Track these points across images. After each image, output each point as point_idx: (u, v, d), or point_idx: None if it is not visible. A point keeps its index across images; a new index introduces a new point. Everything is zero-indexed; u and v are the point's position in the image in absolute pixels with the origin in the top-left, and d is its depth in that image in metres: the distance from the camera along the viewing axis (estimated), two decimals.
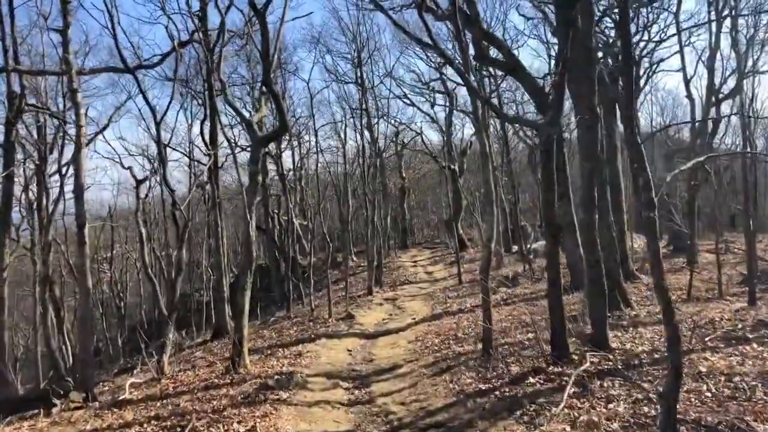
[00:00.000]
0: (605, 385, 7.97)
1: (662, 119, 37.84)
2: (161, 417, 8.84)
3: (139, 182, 25.77)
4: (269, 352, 14.70)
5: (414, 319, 17.58)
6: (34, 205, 24.46)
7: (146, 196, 32.77)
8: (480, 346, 11.89)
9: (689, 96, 21.18)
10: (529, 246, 29.61)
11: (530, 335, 12.52)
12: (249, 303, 12.69)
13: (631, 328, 11.46)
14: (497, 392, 8.50)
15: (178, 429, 8.05)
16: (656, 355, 9.09)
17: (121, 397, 10.78)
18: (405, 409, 8.82)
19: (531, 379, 8.72)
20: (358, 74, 28.71)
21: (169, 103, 15.05)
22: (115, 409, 10.11)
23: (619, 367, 8.66)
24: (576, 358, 9.16)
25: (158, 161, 13.86)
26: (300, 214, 35.91)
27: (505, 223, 30.16)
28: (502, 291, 19.37)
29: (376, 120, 28.92)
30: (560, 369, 8.84)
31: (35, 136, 23.13)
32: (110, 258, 36.51)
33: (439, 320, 16.43)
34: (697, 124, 22.84)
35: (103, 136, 24.34)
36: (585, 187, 9.40)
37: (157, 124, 13.89)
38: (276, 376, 11.00)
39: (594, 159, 9.50)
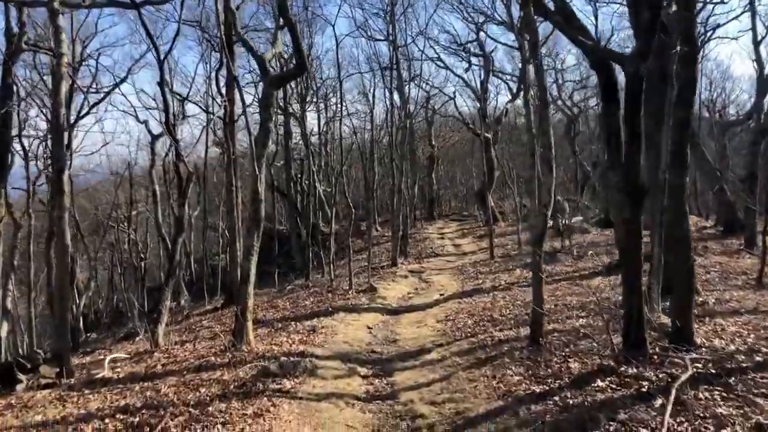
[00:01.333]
0: (704, 397, 5.96)
1: (710, 93, 34.98)
2: (131, 409, 7.02)
3: (154, 137, 24.10)
4: (280, 325, 12.88)
5: (442, 294, 15.64)
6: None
7: (166, 154, 31.28)
8: (525, 332, 9.90)
9: (758, 59, 18.60)
10: (565, 222, 27.46)
11: (582, 321, 10.54)
12: (257, 269, 10.91)
13: (707, 319, 9.38)
14: (557, 398, 6.51)
15: (146, 429, 6.21)
16: (758, 358, 7.03)
17: (98, 375, 9.03)
18: (436, 411, 6.89)
19: (599, 382, 6.72)
20: (390, 30, 26.38)
21: (175, 37, 13.01)
22: (86, 391, 8.35)
23: (714, 371, 6.62)
24: (655, 356, 7.12)
25: (162, 104, 12.02)
26: (324, 180, 34.04)
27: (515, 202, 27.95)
28: None
29: (407, 81, 26.61)
30: (636, 370, 6.82)
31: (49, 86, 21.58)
32: (128, 217, 35.04)
33: (471, 298, 14.46)
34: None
35: (120, 90, 22.23)
36: (675, 141, 7.25)
37: (160, 62, 11.94)
38: (282, 358, 9.17)
39: (689, 106, 7.34)
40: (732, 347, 7.51)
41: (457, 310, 13.26)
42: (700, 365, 6.89)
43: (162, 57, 12.34)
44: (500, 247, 23.25)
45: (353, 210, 17.95)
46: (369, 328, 12.42)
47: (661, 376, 6.60)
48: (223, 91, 18.34)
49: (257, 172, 10.08)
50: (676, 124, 7.21)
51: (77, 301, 22.75)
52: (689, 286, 7.44)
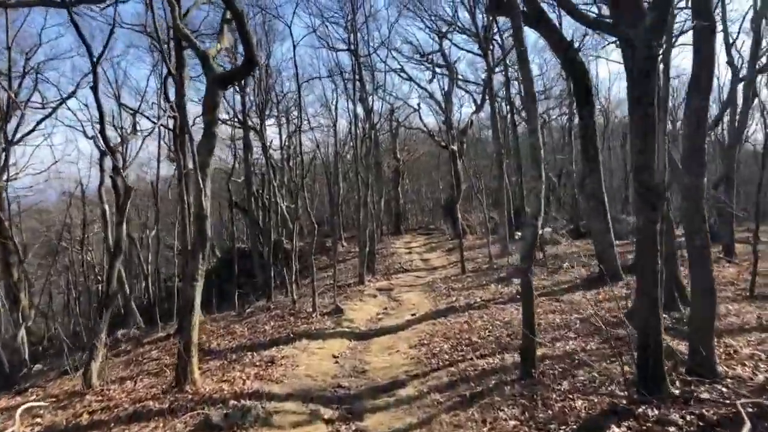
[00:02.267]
0: None
1: (673, 101, 34.61)
2: None
3: (103, 153, 22.29)
4: (235, 356, 11.36)
5: (414, 315, 14.27)
6: None
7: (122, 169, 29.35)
8: (511, 359, 8.61)
9: (731, 62, 17.79)
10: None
11: (572, 344, 9.29)
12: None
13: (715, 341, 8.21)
14: None
15: None
16: None
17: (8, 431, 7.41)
18: None
19: (615, 429, 5.42)
20: (351, 39, 25.14)
21: (109, 37, 11.51)
22: None
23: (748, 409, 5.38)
24: (677, 392, 5.86)
25: (98, 111, 10.51)
26: (287, 195, 32.51)
27: (509, 206, 26.82)
28: (515, 282, 16.07)
29: (370, 93, 25.36)
30: (658, 412, 5.55)
31: None
32: (82, 238, 32.87)
33: (445, 318, 13.11)
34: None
35: (67, 105, 20.45)
36: (692, 136, 6.04)
37: (93, 64, 10.43)
38: (231, 402, 7.68)
39: (707, 93, 6.14)
40: (760, 377, 6.32)
41: (432, 332, 11.91)
42: (726, 401, 5.68)
43: (95, 59, 10.81)
44: (470, 261, 22.02)
45: (316, 225, 16.43)
46: (335, 357, 10.98)
47: (689, 418, 5.34)
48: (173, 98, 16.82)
49: (201, 184, 8.63)
50: (692, 116, 6.01)
51: (21, 328, 20.77)
52: (711, 306, 6.22)
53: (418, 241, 33.64)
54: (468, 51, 27.08)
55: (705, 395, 5.71)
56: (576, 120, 39.46)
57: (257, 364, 10.55)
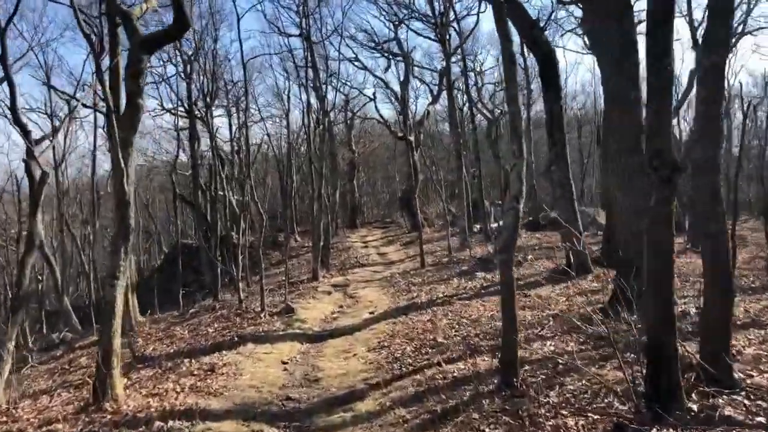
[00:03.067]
0: None
1: None
2: None
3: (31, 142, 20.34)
4: (170, 364, 9.94)
5: (372, 313, 13.08)
6: None
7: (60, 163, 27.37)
8: (485, 363, 7.52)
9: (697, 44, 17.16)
10: (490, 225, 25.65)
11: (551, 345, 8.26)
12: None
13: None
14: None
15: None
16: None
17: None
18: None
19: None
20: (303, 24, 23.70)
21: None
22: None
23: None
24: (695, 407, 4.81)
25: (8, 86, 8.95)
26: (237, 188, 30.86)
27: (467, 199, 25.83)
28: (479, 276, 15.06)
29: (324, 80, 23.92)
30: None
31: None
32: (18, 236, 30.47)
33: (406, 316, 11.94)
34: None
35: None
36: (707, 100, 4.98)
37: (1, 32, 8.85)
38: (157, 424, 6.33)
39: (723, 46, 5.08)
40: None
41: (392, 332, 10.73)
42: (745, 410, 4.70)
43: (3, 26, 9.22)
44: (429, 255, 20.94)
45: (265, 218, 14.99)
46: (284, 363, 9.68)
47: None
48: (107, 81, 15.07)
49: (122, 165, 7.23)
50: (706, 74, 4.95)
51: None
52: (728, 305, 5.19)
53: (375, 235, 32.46)
54: (425, 37, 25.80)
55: (729, 411, 4.67)
56: (535, 109, 39.02)
57: (195, 373, 9.19)
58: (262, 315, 13.29)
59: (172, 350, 11.35)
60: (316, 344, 10.99)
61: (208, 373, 9.09)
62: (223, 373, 9.00)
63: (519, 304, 11.53)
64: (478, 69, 34.39)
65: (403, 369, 8.35)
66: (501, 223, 27.33)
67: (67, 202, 31.22)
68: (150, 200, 39.90)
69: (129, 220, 7.42)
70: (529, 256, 16.66)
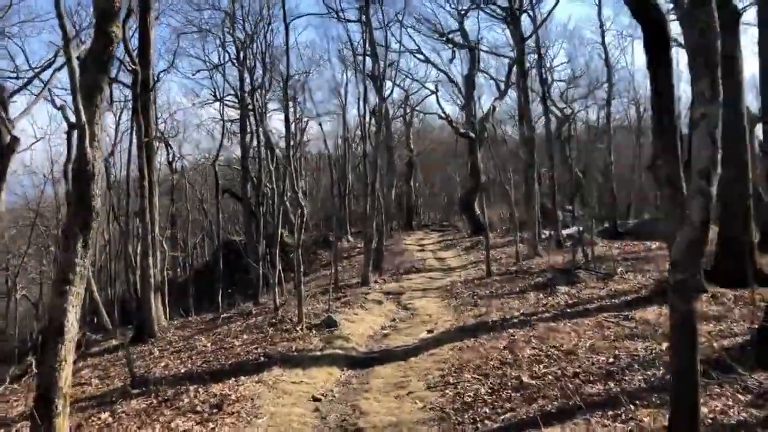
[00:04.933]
0: None
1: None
2: None
3: (72, 126, 18.59)
4: (171, 392, 7.56)
5: (431, 331, 10.43)
6: None
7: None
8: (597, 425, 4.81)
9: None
10: (561, 232, 22.68)
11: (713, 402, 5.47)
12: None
13: None
14: None
15: None
16: None
17: None
18: None
19: None
20: (363, 10, 21.27)
21: None
22: None
23: None
24: None
25: None
26: (289, 185, 28.81)
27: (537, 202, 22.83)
28: (562, 291, 12.17)
29: (383, 66, 21.38)
30: None
31: None
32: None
33: (475, 338, 9.21)
34: None
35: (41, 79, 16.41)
36: None
37: None
38: None
39: None
40: None
41: (459, 362, 8.04)
42: None
43: None
44: (494, 262, 18.07)
45: (304, 210, 12.49)
46: (316, 399, 7.15)
47: None
48: (136, 50, 12.96)
49: (82, 118, 4.85)
50: None
51: None
52: None
53: (432, 238, 29.76)
54: (498, 19, 22.67)
55: None
56: (604, 111, 35.45)
57: (198, 409, 6.77)
58: (298, 327, 10.81)
59: (183, 370, 9.01)
60: (359, 371, 8.42)
61: (214, 410, 6.66)
62: (233, 413, 6.55)
63: (620, 331, 8.76)
64: (548, 65, 31.31)
65: (479, 425, 5.69)
66: (574, 229, 24.41)
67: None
68: (204, 196, 38.38)
69: (91, 199, 5.02)
70: (619, 269, 13.64)
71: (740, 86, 11.77)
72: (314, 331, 10.55)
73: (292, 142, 28.98)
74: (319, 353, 9.14)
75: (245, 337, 11.04)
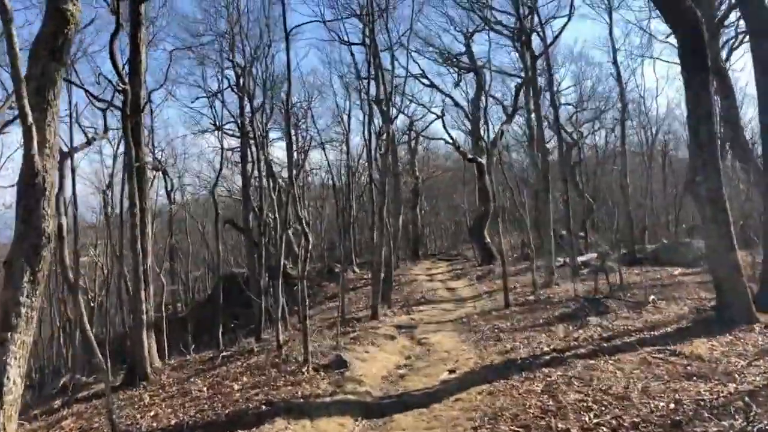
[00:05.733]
0: None
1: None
2: None
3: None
4: None
5: (453, 371, 9.26)
6: None
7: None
8: None
9: None
10: (577, 259, 21.62)
11: None
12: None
13: None
14: None
15: None
16: None
17: None
18: None
19: None
20: (367, 32, 20.51)
21: None
22: None
23: None
24: None
25: None
26: (293, 213, 27.76)
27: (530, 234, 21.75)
28: (593, 323, 11.00)
29: (389, 89, 20.47)
30: None
31: None
32: None
33: (506, 380, 8.04)
34: None
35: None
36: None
37: None
38: None
39: None
40: None
41: (491, 410, 6.86)
42: None
43: None
44: (510, 291, 16.85)
45: (308, 239, 11.37)
46: None
47: None
48: (124, 65, 12.06)
49: (25, 110, 3.82)
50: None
51: None
52: None
53: (440, 268, 28.65)
54: (505, 36, 21.84)
55: None
56: (612, 135, 34.55)
57: None
58: (304, 369, 9.64)
59: (173, 421, 7.86)
60: (376, 422, 7.24)
61: None
62: None
63: (671, 369, 7.59)
64: (555, 88, 30.52)
65: None
66: (589, 256, 23.28)
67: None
68: (205, 228, 37.35)
69: (41, 220, 3.96)
70: (651, 297, 12.49)
71: None
72: (322, 373, 9.39)
73: (294, 169, 28.09)
74: (328, 399, 7.97)
75: (245, 379, 9.88)
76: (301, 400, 7.98)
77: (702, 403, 6.23)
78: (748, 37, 12.92)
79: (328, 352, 10.68)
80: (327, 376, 9.17)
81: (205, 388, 9.74)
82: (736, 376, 6.88)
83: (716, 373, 7.08)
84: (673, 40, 30.87)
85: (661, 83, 79.35)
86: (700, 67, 9.82)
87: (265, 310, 15.86)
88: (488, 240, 26.93)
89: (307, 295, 11.39)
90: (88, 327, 18.17)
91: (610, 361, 8.19)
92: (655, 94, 47.81)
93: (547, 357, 9.02)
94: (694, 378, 7.01)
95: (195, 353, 16.97)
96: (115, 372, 15.29)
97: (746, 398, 6.10)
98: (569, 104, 31.58)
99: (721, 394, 6.40)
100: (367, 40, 20.63)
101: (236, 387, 9.37)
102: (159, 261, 28.21)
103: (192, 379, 10.95)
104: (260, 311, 16.32)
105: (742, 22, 20.63)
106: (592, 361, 8.28)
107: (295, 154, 25.01)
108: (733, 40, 21.31)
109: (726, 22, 18.30)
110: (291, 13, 39.46)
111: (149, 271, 12.88)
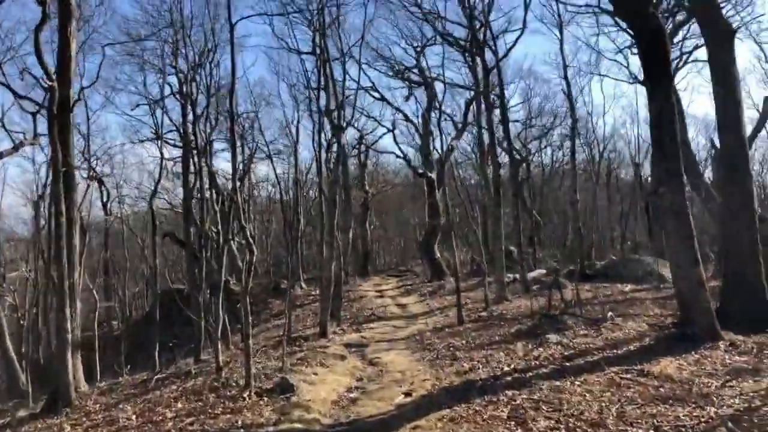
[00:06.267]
0: None
1: None
2: None
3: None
4: None
5: (409, 394, 8.51)
6: None
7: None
8: None
9: None
10: (527, 274, 21.45)
11: None
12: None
13: None
14: None
15: None
16: None
17: None
18: None
19: None
20: (317, 40, 19.79)
21: None
22: None
23: None
24: None
25: None
26: (237, 228, 26.56)
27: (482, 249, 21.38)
28: (552, 341, 10.48)
29: (338, 98, 19.72)
30: None
31: None
32: None
33: (467, 403, 7.36)
34: None
35: None
36: None
37: None
38: None
39: None
40: None
41: None
42: None
43: None
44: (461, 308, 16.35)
45: (253, 251, 10.45)
46: None
47: None
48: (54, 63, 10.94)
49: None
50: None
51: None
52: None
53: (389, 284, 27.94)
54: (456, 50, 21.46)
55: None
56: (558, 153, 34.82)
57: None
58: (246, 394, 8.72)
59: None
60: None
61: None
62: None
63: (646, 390, 7.10)
64: (506, 102, 30.49)
65: None
66: (538, 272, 23.07)
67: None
68: (145, 242, 35.57)
69: None
70: (609, 314, 12.13)
71: (740, 106, 10.67)
72: (266, 398, 8.50)
73: (238, 174, 27.03)
74: (272, 429, 7.11)
75: (180, 406, 8.90)
76: (242, 430, 7.09)
77: (683, 429, 5.74)
78: (703, 48, 12.81)
79: (272, 375, 9.80)
80: (271, 402, 8.29)
81: (134, 416, 8.71)
82: (713, 398, 6.42)
83: (691, 396, 6.61)
84: (621, 58, 31.52)
85: (608, 102, 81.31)
86: (664, 75, 9.54)
87: (206, 328, 14.74)
88: (438, 255, 26.45)
89: (250, 312, 10.48)
90: (9, 347, 16.72)
91: (577, 383, 7.64)
92: (602, 112, 48.80)
93: (509, 378, 8.42)
94: (670, 401, 6.52)
95: (129, 375, 15.72)
96: (39, 397, 13.95)
97: (729, 423, 5.64)
98: (517, 121, 31.66)
99: (702, 419, 5.93)
100: (318, 49, 19.95)
101: (169, 415, 8.39)
102: (93, 276, 26.56)
103: (121, 405, 9.87)
104: (200, 330, 15.19)
105: (687, 42, 21.06)
106: (557, 383, 7.71)
107: (240, 164, 24.07)
108: (678, 60, 21.65)
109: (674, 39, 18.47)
110: (237, 17, 38.25)
111: (76, 286, 11.70)
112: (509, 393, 7.51)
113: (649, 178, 25.90)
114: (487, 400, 7.37)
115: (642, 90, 23.56)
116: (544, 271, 23.99)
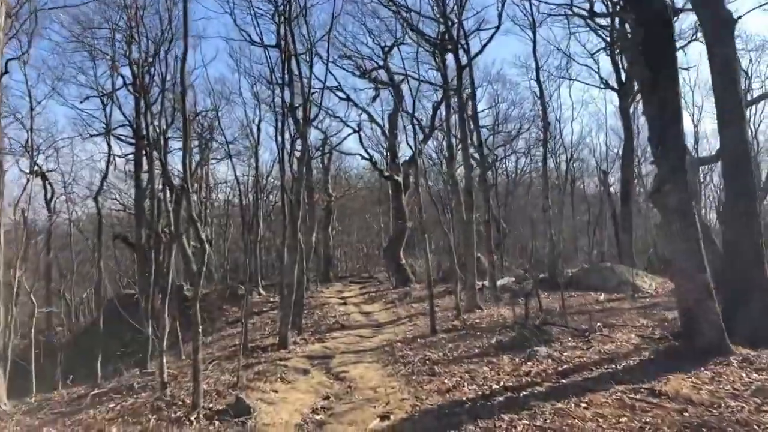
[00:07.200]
0: None
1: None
2: None
3: None
4: None
5: (385, 417, 7.23)
6: None
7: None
8: None
9: None
10: (498, 282, 20.60)
11: None
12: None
13: None
14: None
15: None
16: None
17: None
18: None
19: None
20: (283, 32, 18.36)
21: None
22: None
23: None
24: None
25: None
26: (192, 231, 24.87)
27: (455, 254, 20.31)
28: (542, 354, 9.35)
29: (304, 92, 18.33)
30: None
31: None
32: None
33: (457, 430, 6.16)
34: None
35: None
36: None
37: None
38: None
39: None
40: None
41: None
42: None
43: None
44: (427, 316, 15.13)
45: (206, 250, 9.04)
46: None
47: None
48: None
49: None
50: None
51: None
52: None
53: (352, 291, 26.61)
54: (426, 49, 20.41)
55: None
56: (524, 160, 34.14)
57: None
58: (193, 416, 7.30)
59: None
60: None
61: None
62: None
63: (665, 413, 6.02)
64: (469, 112, 29.64)
65: None
66: (506, 279, 22.11)
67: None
68: (96, 245, 33.38)
69: None
70: (597, 324, 11.12)
71: (741, 98, 9.82)
72: (217, 423, 7.10)
73: (193, 163, 25.38)
74: None
75: (114, 430, 7.42)
76: None
77: None
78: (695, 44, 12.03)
79: (225, 392, 8.41)
80: (223, 427, 6.91)
81: None
82: (756, 427, 5.36)
83: (725, 422, 5.55)
84: (591, 62, 30.99)
85: (577, 108, 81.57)
86: (668, 63, 8.59)
87: (151, 338, 13.17)
88: (404, 261, 25.28)
89: (202, 320, 9.05)
90: None
91: (582, 404, 6.53)
92: (571, 117, 48.80)
93: (501, 398, 7.23)
94: (704, 430, 5.43)
95: (68, 388, 14.02)
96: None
97: None
98: (484, 126, 30.84)
99: None
100: (282, 42, 18.55)
101: None
102: (34, 281, 24.44)
103: (46, 429, 8.29)
104: (147, 338, 13.61)
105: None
106: (559, 404, 6.57)
107: (197, 158, 22.42)
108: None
109: None
110: (197, 7, 36.44)
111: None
112: (506, 417, 6.33)
113: (617, 187, 25.32)
114: (482, 426, 6.17)
115: (611, 97, 22.97)
116: (512, 279, 23.11)
